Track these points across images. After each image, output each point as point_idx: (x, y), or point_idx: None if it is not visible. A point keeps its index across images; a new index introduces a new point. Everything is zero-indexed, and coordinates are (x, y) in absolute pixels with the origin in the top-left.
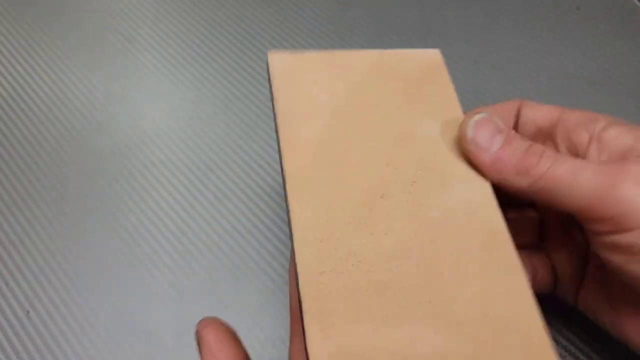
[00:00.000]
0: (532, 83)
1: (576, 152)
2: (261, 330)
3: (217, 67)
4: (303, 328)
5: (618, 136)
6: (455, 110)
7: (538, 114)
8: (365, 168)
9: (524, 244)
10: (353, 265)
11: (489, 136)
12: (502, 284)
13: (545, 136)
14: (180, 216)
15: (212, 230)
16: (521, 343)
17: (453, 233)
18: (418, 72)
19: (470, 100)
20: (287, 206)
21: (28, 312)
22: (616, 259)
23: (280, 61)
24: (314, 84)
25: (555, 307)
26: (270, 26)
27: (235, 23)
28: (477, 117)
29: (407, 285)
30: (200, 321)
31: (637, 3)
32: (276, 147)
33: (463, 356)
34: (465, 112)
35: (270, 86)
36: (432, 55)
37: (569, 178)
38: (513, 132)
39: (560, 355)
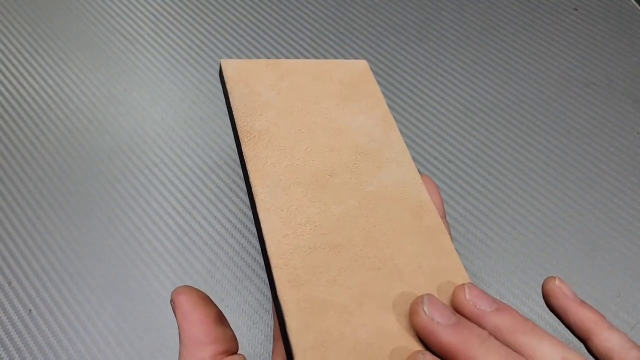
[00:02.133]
0: (529, 84)
1: None
2: (261, 330)
3: (218, 67)
4: (273, 282)
5: None
6: (382, 110)
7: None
8: (312, 153)
9: None
10: (311, 229)
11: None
12: (431, 243)
13: None
14: (181, 215)
15: (213, 229)
16: (451, 287)
17: (389, 204)
18: (350, 78)
19: (468, 101)
20: (248, 186)
21: (30, 310)
22: None
23: (232, 66)
24: (262, 84)
25: None
26: (270, 27)
27: (235, 24)
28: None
29: (356, 245)
30: (174, 290)
31: (635, 4)
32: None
33: (405, 298)
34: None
35: (224, 87)
36: (361, 65)
37: None
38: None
39: None
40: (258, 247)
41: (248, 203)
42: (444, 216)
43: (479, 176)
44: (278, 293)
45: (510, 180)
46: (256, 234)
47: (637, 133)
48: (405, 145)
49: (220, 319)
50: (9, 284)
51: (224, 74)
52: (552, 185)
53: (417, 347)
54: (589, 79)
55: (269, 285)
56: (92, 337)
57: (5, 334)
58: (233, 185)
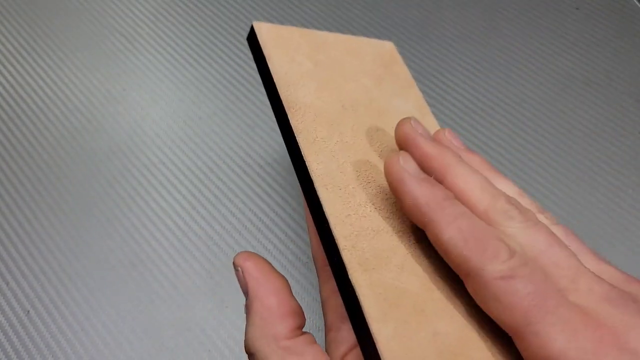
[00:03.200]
0: (531, 83)
1: None
2: None
3: (218, 67)
4: (342, 263)
5: None
6: (416, 93)
7: None
8: (359, 132)
9: None
10: (371, 210)
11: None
12: None
13: None
14: (180, 216)
15: (212, 230)
16: None
17: None
18: (382, 58)
19: (469, 100)
20: (298, 160)
21: (28, 311)
22: None
23: (267, 30)
24: (300, 53)
25: None
26: None
27: (235, 24)
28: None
29: (415, 231)
30: (238, 255)
31: (636, 3)
32: (271, 111)
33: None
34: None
35: (259, 52)
36: (389, 46)
37: None
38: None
39: None
40: (258, 247)
41: (248, 204)
42: None
43: None
44: (351, 277)
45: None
46: (303, 214)
47: (639, 132)
48: None
49: (290, 289)
50: (7, 284)
51: (260, 37)
52: (552, 185)
53: (489, 335)
54: (590, 78)
55: (331, 271)
56: (90, 338)
57: (3, 335)
58: (233, 185)
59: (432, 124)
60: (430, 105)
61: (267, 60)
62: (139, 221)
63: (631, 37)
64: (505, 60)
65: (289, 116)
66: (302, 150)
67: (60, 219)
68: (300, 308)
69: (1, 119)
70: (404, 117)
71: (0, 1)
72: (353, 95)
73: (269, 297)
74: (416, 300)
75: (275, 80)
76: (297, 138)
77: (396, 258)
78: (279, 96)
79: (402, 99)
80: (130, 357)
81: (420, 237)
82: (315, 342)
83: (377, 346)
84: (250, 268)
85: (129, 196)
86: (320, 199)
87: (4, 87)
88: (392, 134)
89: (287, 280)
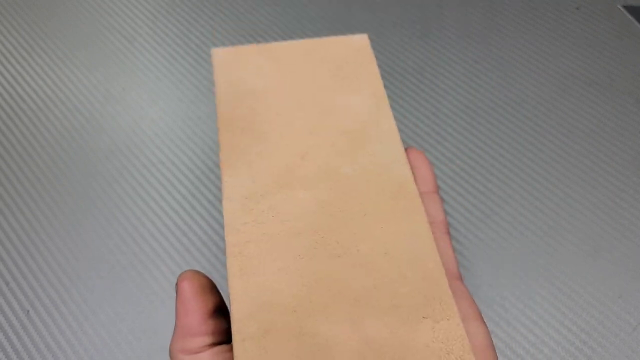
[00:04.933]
0: (531, 83)
1: None
2: None
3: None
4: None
5: None
6: (377, 85)
7: None
8: (289, 137)
9: None
10: (273, 216)
11: None
12: (405, 228)
13: None
14: (180, 216)
15: (212, 230)
16: (418, 274)
17: (365, 187)
18: (346, 55)
19: (469, 100)
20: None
21: (28, 311)
22: None
23: (221, 54)
24: (250, 71)
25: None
26: (271, 27)
27: (235, 23)
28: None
29: (319, 231)
30: (180, 274)
31: (637, 3)
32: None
33: (363, 286)
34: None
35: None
36: (360, 40)
37: None
38: None
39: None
40: None
41: None
42: (435, 190)
43: (480, 176)
44: (228, 282)
45: (511, 181)
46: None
47: (639, 132)
48: (394, 123)
49: (220, 309)
50: (7, 284)
51: (213, 63)
52: (553, 185)
53: (365, 338)
54: (591, 78)
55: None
56: (90, 338)
57: (3, 335)
58: None
59: (385, 116)
60: (430, 105)
61: (215, 84)
62: (138, 221)
63: (632, 37)
64: (505, 60)
65: (219, 135)
66: (220, 164)
67: (59, 219)
68: (226, 328)
69: (0, 119)
70: (352, 112)
71: (0, 1)
72: (298, 101)
73: (187, 316)
74: (291, 301)
75: (216, 102)
76: (220, 152)
77: (283, 261)
78: (217, 116)
79: (355, 95)
80: (129, 358)
81: (322, 238)
82: (229, 351)
83: (233, 346)
84: (182, 288)
85: (128, 196)
86: (223, 209)
87: (3, 87)
88: (331, 129)
89: (218, 300)
